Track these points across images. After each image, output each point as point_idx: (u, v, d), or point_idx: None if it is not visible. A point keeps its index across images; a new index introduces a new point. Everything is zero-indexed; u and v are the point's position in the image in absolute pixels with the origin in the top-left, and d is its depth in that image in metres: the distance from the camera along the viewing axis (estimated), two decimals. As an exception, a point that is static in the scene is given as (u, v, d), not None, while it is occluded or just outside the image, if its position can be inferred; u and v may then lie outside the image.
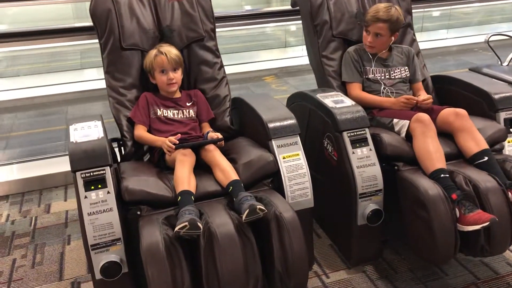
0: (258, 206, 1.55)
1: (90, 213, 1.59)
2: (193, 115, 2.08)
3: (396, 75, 2.28)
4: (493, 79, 2.65)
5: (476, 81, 2.27)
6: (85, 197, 1.60)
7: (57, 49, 5.70)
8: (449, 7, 6.18)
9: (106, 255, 1.61)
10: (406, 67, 2.31)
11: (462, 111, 2.00)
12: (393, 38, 2.25)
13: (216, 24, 2.26)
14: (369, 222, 1.90)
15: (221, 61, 2.25)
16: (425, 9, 5.32)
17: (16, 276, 2.09)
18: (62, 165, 2.86)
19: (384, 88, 2.25)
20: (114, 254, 1.62)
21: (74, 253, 2.23)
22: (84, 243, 1.61)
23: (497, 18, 7.37)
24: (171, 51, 2.01)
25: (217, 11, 2.30)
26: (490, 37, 3.27)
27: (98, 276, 1.61)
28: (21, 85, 4.69)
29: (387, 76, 2.27)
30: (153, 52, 2.02)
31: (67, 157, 1.65)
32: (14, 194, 2.76)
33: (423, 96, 2.19)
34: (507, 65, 3.28)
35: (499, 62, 3.32)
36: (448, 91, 2.40)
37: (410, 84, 2.33)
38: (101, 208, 1.60)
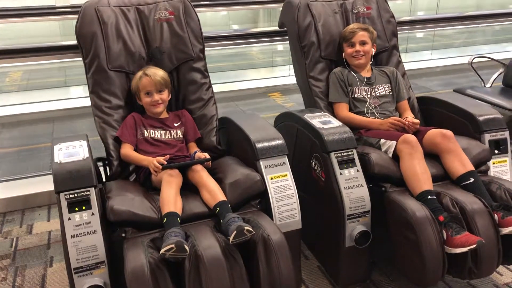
0: (245, 228, 1.53)
1: (74, 235, 1.56)
2: (181, 136, 2.06)
3: (380, 92, 2.31)
4: (477, 101, 2.69)
5: (461, 103, 2.30)
6: (69, 218, 1.57)
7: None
8: (432, 30, 6.32)
9: (90, 278, 1.57)
10: (389, 85, 2.35)
11: (449, 133, 2.01)
12: (373, 49, 2.37)
13: (205, 44, 2.26)
14: (357, 243, 1.89)
15: (210, 81, 2.24)
16: (410, 31, 5.42)
17: (-5, 299, 2.03)
18: (45, 184, 2.81)
19: (370, 105, 2.27)
20: (98, 278, 1.58)
21: (57, 276, 2.17)
22: (67, 266, 1.57)
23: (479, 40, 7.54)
24: (157, 73, 2.00)
25: (206, 31, 2.31)
26: (473, 59, 3.34)
27: (81, 300, 1.57)
28: None
29: (373, 94, 2.30)
30: (139, 74, 2.02)
31: (51, 176, 1.62)
32: (-5, 214, 2.70)
33: (411, 119, 2.19)
34: (490, 86, 3.35)
35: (482, 84, 3.38)
36: (434, 112, 2.42)
37: (396, 103, 2.35)
38: (85, 230, 1.57)
